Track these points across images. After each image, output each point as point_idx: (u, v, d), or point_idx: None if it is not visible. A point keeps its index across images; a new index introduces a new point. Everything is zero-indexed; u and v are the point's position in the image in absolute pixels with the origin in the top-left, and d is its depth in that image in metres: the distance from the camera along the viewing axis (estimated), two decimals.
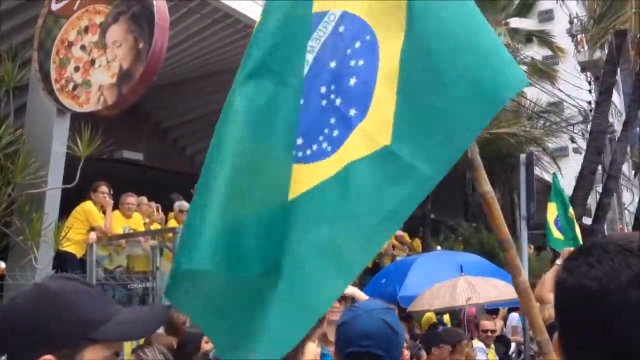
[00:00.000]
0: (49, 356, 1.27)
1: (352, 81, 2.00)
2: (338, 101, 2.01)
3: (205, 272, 1.92)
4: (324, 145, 1.97)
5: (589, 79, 18.86)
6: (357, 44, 2.05)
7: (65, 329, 1.29)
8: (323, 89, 2.05)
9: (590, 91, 20.62)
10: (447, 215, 19.12)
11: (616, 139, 15.97)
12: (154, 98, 11.16)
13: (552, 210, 9.68)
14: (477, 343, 7.13)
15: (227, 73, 11.08)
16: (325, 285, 1.78)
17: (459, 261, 7.46)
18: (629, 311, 0.97)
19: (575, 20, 19.68)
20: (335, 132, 1.97)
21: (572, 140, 20.56)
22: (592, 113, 14.16)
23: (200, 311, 2.06)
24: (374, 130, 1.89)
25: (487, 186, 1.90)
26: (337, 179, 1.90)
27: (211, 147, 2.03)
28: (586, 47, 14.61)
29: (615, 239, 1.06)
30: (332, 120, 2.00)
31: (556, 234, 9.46)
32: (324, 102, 2.04)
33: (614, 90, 14.50)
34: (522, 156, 10.36)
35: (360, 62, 2.01)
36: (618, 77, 28.12)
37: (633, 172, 28.35)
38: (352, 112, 1.95)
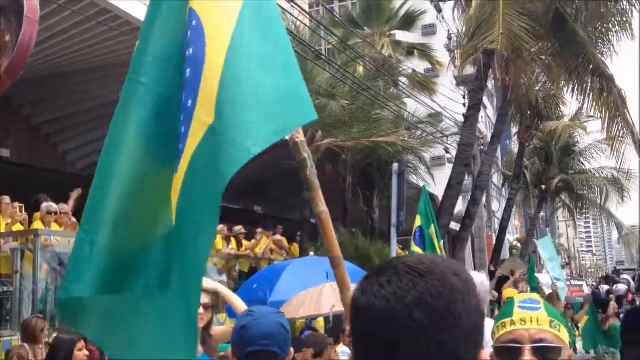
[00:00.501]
0: None
1: (188, 71, 2.00)
2: (184, 95, 2.02)
3: (93, 297, 2.04)
4: (180, 145, 1.99)
5: (463, 93, 19.81)
6: (189, 33, 2.06)
7: None
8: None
9: (464, 105, 21.67)
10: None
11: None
12: (27, 92, 10.66)
13: (417, 222, 9.95)
14: (341, 347, 7.23)
15: (105, 69, 10.81)
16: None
17: (327, 267, 7.54)
18: (413, 330, 1.01)
19: (453, 36, 20.61)
20: (183, 129, 1.98)
21: (447, 150, 21.49)
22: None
23: (95, 328, 2.19)
24: (202, 113, 1.90)
25: (322, 207, 2.00)
26: (188, 175, 1.93)
27: (104, 150, 2.08)
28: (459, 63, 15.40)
29: (408, 260, 1.10)
30: (182, 117, 2.01)
31: (414, 247, 9.65)
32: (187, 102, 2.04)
33: (489, 105, 15.42)
34: (395, 165, 10.65)
35: (191, 50, 2.02)
36: (494, 92, 29.69)
37: (501, 182, 29.96)
38: (190, 102, 1.96)
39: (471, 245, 21.18)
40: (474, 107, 13.58)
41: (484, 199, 22.14)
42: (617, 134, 13.17)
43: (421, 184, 19.00)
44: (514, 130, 27.07)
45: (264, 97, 1.85)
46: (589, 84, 12.97)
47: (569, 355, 2.03)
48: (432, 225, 10.19)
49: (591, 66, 12.66)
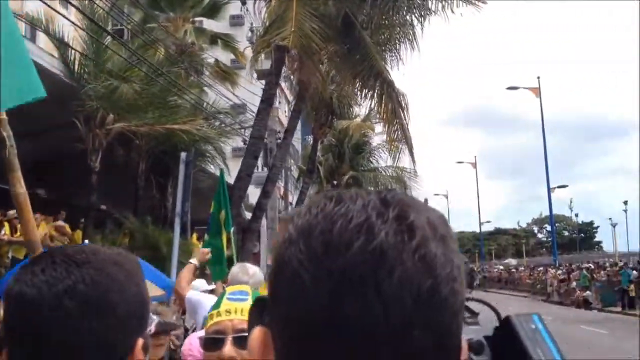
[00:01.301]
0: None
1: None
2: None
3: None
4: None
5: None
6: None
7: None
8: None
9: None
10: (118, 208, 18.75)
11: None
12: None
13: (212, 208, 9.98)
14: None
15: None
16: None
17: None
18: (62, 318, 1.01)
19: (255, 29, 20.86)
20: None
21: (245, 142, 21.71)
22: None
23: None
24: None
25: (21, 188, 1.94)
26: None
27: None
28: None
29: (69, 249, 1.10)
30: None
31: (207, 235, 9.71)
32: None
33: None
34: (183, 154, 10.52)
35: None
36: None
37: (296, 176, 30.87)
38: None
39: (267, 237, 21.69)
40: (266, 101, 13.88)
41: (280, 192, 22.77)
42: (395, 137, 14.26)
43: (218, 173, 19.09)
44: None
45: None
46: (375, 89, 13.88)
47: None
48: (223, 210, 10.28)
49: (374, 71, 13.57)
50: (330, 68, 15.93)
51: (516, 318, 0.82)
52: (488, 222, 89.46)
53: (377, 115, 17.60)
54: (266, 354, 0.71)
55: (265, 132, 14.89)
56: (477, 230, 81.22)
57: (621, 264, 35.16)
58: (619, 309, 27.84)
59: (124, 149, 17.49)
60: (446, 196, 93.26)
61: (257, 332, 0.73)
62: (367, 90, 14.10)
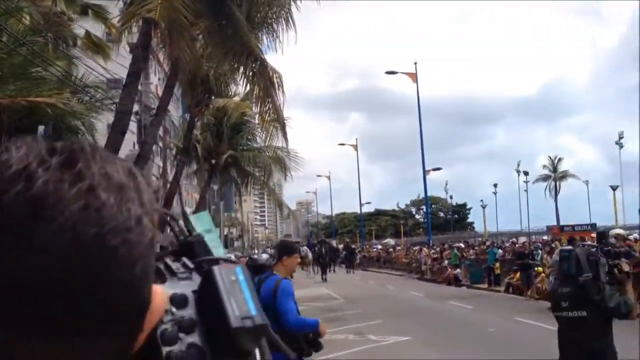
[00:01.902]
0: None
1: None
2: None
3: None
4: None
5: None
6: None
7: None
8: None
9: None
10: None
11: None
12: None
13: None
14: None
15: None
16: None
17: None
18: None
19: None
20: None
21: None
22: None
23: None
24: None
25: None
26: None
27: None
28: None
29: None
30: None
31: None
32: None
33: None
34: (40, 128, 10.08)
35: None
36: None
37: (174, 153, 30.19)
38: None
39: None
40: (133, 75, 13.41)
41: (154, 169, 22.21)
42: (267, 117, 14.20)
43: None
44: None
45: None
46: (247, 67, 13.72)
47: None
48: None
49: (246, 49, 13.42)
50: (205, 44, 15.61)
51: (218, 270, 0.80)
52: (368, 203, 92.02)
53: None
54: None
55: (132, 107, 14.42)
56: (359, 212, 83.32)
57: (489, 243, 37.25)
58: (485, 285, 29.40)
59: None
60: (328, 177, 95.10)
61: None
62: (238, 67, 13.91)
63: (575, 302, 5.48)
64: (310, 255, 47.02)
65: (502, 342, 14.28)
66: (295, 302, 6.15)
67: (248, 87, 14.97)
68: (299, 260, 7.62)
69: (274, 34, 15.68)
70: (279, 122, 14.63)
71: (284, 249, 6.50)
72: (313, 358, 6.43)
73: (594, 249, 5.68)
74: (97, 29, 23.04)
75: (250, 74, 13.74)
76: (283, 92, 14.86)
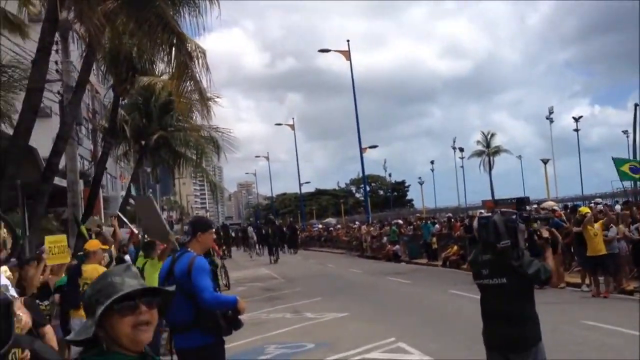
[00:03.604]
0: None
1: None
2: None
3: None
4: None
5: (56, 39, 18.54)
6: None
7: None
8: None
9: (57, 51, 20.39)
10: None
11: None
12: None
13: None
14: None
15: None
16: None
17: None
18: None
19: None
20: None
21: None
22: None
23: None
24: None
25: None
26: None
27: None
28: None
29: None
30: None
31: None
32: None
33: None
34: None
35: None
36: None
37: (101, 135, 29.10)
38: None
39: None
40: (43, 50, 12.66)
41: (79, 150, 21.37)
42: (184, 92, 13.62)
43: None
44: None
45: None
46: (164, 40, 13.09)
47: None
48: None
49: (162, 21, 12.78)
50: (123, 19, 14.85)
51: None
52: (308, 182, 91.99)
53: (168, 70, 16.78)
54: None
55: (43, 84, 13.65)
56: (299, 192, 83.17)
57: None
58: (425, 260, 29.65)
59: None
60: (267, 158, 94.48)
61: None
62: (154, 40, 13.26)
63: (495, 269, 5.33)
64: (255, 236, 46.23)
65: (436, 314, 14.31)
66: (211, 279, 5.80)
67: (162, 61, 14.31)
68: (214, 236, 7.27)
69: (197, 10, 15.01)
70: (201, 99, 14.06)
71: (199, 225, 6.11)
72: (247, 338, 6.12)
73: (513, 216, 5.52)
74: (13, 7, 21.92)
75: (167, 48, 13.13)
76: (208, 68, 14.34)
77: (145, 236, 10.42)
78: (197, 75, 13.34)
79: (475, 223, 6.16)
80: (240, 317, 5.82)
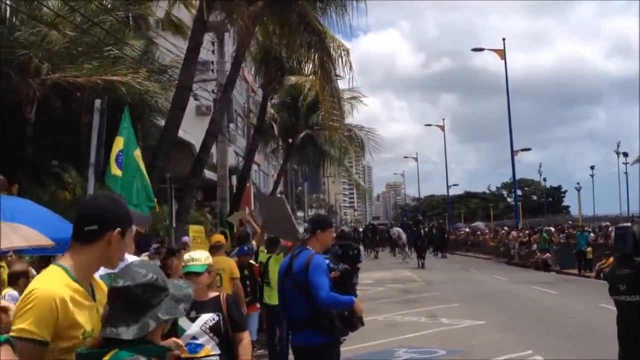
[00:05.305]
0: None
1: None
2: None
3: None
4: None
5: (212, 40, 19.58)
6: None
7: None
8: None
9: (213, 52, 21.48)
10: (60, 162, 18.21)
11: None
12: None
13: (119, 144, 9.66)
14: (9, 290, 6.63)
15: None
16: None
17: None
18: None
19: None
20: None
21: (196, 98, 21.17)
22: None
23: None
24: None
25: None
26: None
27: None
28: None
29: None
30: None
31: (115, 170, 9.41)
32: None
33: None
34: (97, 102, 10.12)
35: None
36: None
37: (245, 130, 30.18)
38: None
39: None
40: (192, 50, 13.31)
41: (236, 148, 22.31)
42: (326, 91, 13.72)
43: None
44: None
45: None
46: (304, 40, 13.28)
47: None
48: (138, 148, 10.10)
49: (304, 21, 12.97)
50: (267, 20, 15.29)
51: None
52: (456, 185, 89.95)
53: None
54: None
55: (192, 83, 14.37)
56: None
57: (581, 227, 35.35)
58: (575, 271, 27.98)
59: (65, 101, 16.93)
60: (416, 159, 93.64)
61: None
62: (294, 40, 13.51)
63: (633, 285, 4.83)
64: (404, 237, 42.01)
65: (580, 328, 13.41)
66: (328, 277, 5.77)
67: (305, 61, 14.53)
68: (334, 234, 7.24)
69: (344, 9, 15.10)
70: (335, 97, 14.14)
71: (319, 223, 6.11)
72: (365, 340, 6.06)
73: None
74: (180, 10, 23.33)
75: (307, 47, 13.30)
76: (351, 67, 14.39)
77: (265, 234, 10.73)
78: (338, 73, 13.42)
79: (612, 234, 5.66)
80: (361, 318, 5.72)
